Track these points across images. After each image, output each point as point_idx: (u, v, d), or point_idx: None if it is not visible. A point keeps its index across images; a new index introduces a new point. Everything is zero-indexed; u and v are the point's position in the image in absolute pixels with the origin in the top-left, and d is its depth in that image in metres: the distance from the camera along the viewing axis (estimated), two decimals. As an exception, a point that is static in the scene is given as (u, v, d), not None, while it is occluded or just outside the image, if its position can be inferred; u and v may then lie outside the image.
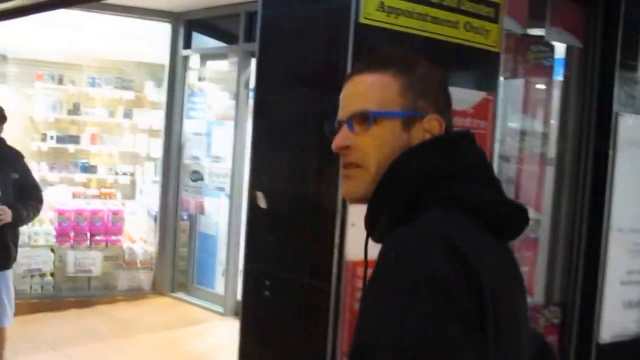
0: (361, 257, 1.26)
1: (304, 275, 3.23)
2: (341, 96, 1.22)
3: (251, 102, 6.08)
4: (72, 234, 6.16)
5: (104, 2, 5.72)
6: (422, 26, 3.29)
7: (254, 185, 3.45)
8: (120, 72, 7.65)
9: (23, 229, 6.06)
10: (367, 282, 1.05)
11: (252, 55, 5.84)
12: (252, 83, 5.96)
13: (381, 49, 3.07)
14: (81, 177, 7.45)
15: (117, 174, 7.67)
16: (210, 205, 6.29)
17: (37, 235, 6.05)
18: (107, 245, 6.24)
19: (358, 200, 1.20)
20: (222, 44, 6.49)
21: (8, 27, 6.10)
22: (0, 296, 4.17)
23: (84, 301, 6.05)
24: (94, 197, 7.28)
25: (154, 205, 7.04)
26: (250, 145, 3.64)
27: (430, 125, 1.17)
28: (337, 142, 1.19)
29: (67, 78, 7.38)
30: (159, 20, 6.54)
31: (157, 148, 7.58)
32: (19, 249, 5.91)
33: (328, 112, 1.48)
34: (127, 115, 7.56)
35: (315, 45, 3.19)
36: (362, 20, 3.08)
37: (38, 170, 7.29)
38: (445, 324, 0.93)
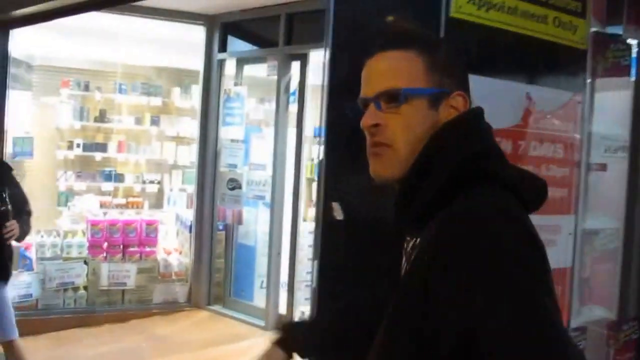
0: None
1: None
2: (365, 74, 1.18)
3: (292, 107, 5.86)
4: (105, 246, 5.83)
5: (136, 3, 5.42)
6: (512, 21, 2.99)
7: (329, 196, 3.13)
8: (147, 78, 7.38)
9: (55, 241, 5.79)
10: (432, 261, 0.99)
11: (293, 58, 5.57)
12: (292, 87, 5.70)
13: (470, 44, 2.80)
14: (108, 186, 7.15)
15: (144, 182, 7.38)
16: (249, 215, 5.97)
17: (69, 248, 5.74)
18: (141, 257, 5.92)
19: (387, 180, 1.15)
20: (259, 48, 6.18)
21: (33, 34, 5.83)
22: (3, 310, 3.92)
23: (119, 315, 5.72)
24: (120, 206, 7.01)
25: (183, 214, 6.75)
26: (323, 154, 3.32)
27: (457, 102, 1.14)
28: (366, 120, 1.14)
29: (93, 85, 7.10)
30: (193, 24, 6.22)
31: (184, 156, 7.34)
32: (52, 262, 5.65)
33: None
34: (155, 122, 7.29)
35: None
36: (452, 14, 2.77)
37: (65, 180, 7.04)
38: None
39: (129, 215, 6.38)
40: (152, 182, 7.40)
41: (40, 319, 5.50)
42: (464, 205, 1.02)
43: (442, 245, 0.99)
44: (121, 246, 5.87)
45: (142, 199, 7.29)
